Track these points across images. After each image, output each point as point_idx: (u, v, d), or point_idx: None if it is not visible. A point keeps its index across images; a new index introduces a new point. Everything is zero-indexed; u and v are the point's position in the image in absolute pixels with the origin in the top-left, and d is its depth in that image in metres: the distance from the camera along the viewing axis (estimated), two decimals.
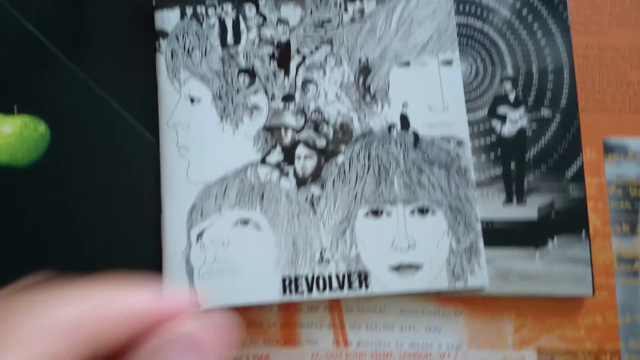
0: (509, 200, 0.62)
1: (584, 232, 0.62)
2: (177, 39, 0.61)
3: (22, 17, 0.60)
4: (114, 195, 0.59)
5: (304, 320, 0.61)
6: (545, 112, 0.64)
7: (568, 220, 0.62)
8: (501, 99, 0.64)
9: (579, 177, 0.63)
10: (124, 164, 0.59)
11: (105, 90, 0.60)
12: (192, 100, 0.60)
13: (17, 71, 0.59)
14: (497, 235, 0.61)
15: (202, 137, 0.59)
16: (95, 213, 0.58)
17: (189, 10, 0.61)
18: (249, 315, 0.60)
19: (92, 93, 0.60)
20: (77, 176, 0.58)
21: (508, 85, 0.64)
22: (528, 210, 0.62)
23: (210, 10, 0.62)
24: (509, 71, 0.64)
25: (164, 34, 0.61)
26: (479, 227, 0.60)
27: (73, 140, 0.59)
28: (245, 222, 0.58)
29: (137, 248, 0.58)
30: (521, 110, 0.64)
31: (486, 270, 0.59)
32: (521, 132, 0.63)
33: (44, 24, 0.60)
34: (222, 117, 0.60)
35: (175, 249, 0.57)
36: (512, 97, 0.64)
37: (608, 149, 0.65)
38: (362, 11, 0.63)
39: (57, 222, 0.58)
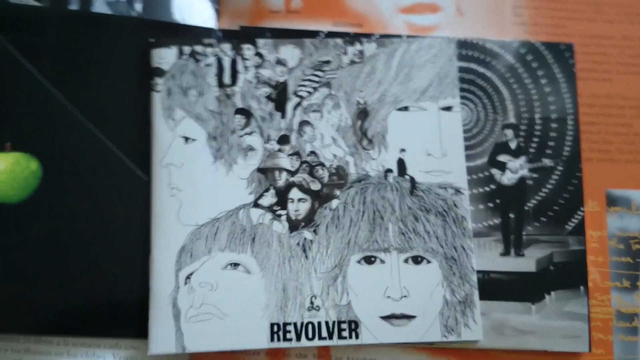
0: (506, 251, 0.60)
1: (582, 287, 0.60)
2: (174, 77, 0.60)
3: (18, 53, 0.59)
4: (103, 234, 0.58)
5: None
6: (547, 161, 0.62)
7: (567, 274, 0.60)
8: (502, 147, 0.63)
9: (580, 229, 0.61)
10: (115, 203, 0.59)
11: (99, 127, 0.59)
12: (186, 140, 0.59)
13: (11, 107, 0.59)
14: (494, 287, 0.59)
15: (195, 178, 0.59)
16: (83, 251, 0.58)
17: (186, 49, 0.61)
18: (234, 359, 0.59)
19: (86, 130, 0.59)
20: (67, 214, 0.58)
21: (509, 133, 0.63)
22: (526, 263, 0.60)
23: (208, 50, 0.61)
24: (511, 118, 0.63)
25: (161, 72, 0.60)
26: (474, 279, 0.59)
27: (65, 178, 0.58)
28: (235, 265, 0.57)
29: (124, 288, 0.57)
30: (522, 159, 0.62)
31: (481, 324, 0.58)
32: (521, 181, 0.62)
33: (40, 60, 0.60)
34: (216, 158, 0.59)
35: (162, 290, 0.56)
36: (513, 145, 0.63)
37: (611, 201, 0.63)
38: (362, 54, 0.62)
39: (45, 259, 0.57)
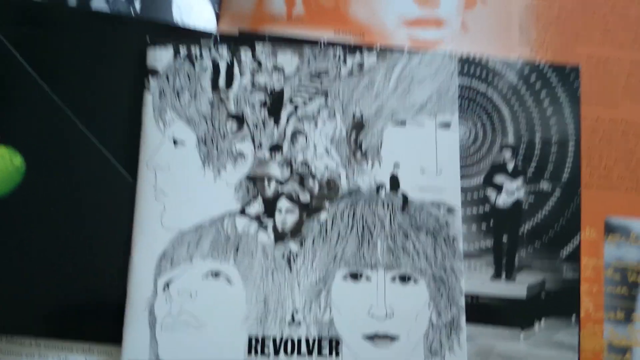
0: (497, 275, 0.59)
1: (574, 315, 0.58)
2: (168, 78, 0.59)
3: (9, 45, 0.59)
4: (84, 234, 0.57)
5: None
6: (544, 185, 0.61)
7: (558, 302, 0.59)
8: (499, 168, 0.61)
9: (575, 256, 0.60)
10: (98, 203, 0.57)
11: (87, 125, 0.58)
12: (175, 143, 0.58)
13: None
14: (482, 311, 0.58)
15: (181, 182, 0.57)
16: (62, 250, 0.56)
17: (182, 50, 0.60)
18: None
19: (74, 128, 0.58)
20: (49, 211, 0.57)
21: (507, 154, 0.61)
22: (517, 288, 0.59)
23: (205, 52, 0.60)
24: (510, 139, 0.62)
25: (154, 72, 0.59)
26: (462, 302, 0.57)
27: (48, 175, 0.57)
28: (216, 274, 0.56)
29: (101, 291, 0.56)
30: (519, 181, 0.61)
31: (466, 349, 0.56)
32: (517, 204, 0.60)
33: (29, 53, 0.59)
34: (204, 162, 0.58)
35: (139, 296, 0.55)
36: (510, 166, 0.61)
37: (609, 229, 0.61)
38: (361, 65, 0.61)
39: (21, 257, 0.56)
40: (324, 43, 0.62)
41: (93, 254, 0.56)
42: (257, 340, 0.55)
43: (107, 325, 0.55)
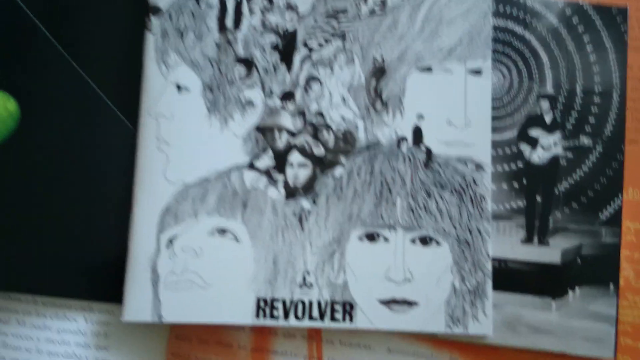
0: (529, 238, 0.54)
1: (612, 284, 0.54)
2: (171, 17, 0.54)
3: None
4: (82, 186, 0.53)
5: (278, 347, 0.54)
6: (585, 140, 0.55)
7: (595, 269, 0.54)
8: (535, 120, 0.55)
9: (616, 219, 0.55)
10: (97, 153, 0.54)
11: (85, 68, 0.54)
12: (179, 89, 0.54)
13: None
14: (510, 277, 0.53)
15: (185, 131, 0.53)
16: (59, 203, 0.53)
17: None
18: (217, 334, 0.54)
19: (71, 71, 0.54)
20: (44, 160, 0.53)
21: (545, 105, 0.55)
22: (550, 253, 0.54)
23: None
24: (548, 88, 0.56)
25: (157, 10, 0.54)
26: (489, 267, 0.52)
27: (44, 121, 0.53)
28: (222, 231, 0.52)
29: (101, 247, 0.53)
30: (557, 136, 0.55)
31: (492, 317, 0.52)
32: (554, 160, 0.55)
33: None
34: (210, 111, 0.53)
35: (141, 252, 0.52)
36: (548, 118, 0.55)
37: None
38: (384, 3, 0.55)
39: (17, 210, 0.53)
40: None
41: (92, 208, 0.53)
42: (265, 302, 0.51)
43: (108, 282, 0.52)
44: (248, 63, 0.54)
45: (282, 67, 0.54)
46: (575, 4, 0.57)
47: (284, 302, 0.52)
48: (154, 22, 0.54)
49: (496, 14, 0.56)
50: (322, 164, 0.53)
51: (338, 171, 0.53)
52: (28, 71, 0.54)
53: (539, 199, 0.55)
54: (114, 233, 0.53)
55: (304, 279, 0.52)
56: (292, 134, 0.54)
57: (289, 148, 0.53)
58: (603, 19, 0.57)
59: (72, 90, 0.54)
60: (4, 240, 0.52)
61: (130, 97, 0.54)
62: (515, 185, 0.55)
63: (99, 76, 0.54)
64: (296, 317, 0.51)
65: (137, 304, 0.51)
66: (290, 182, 0.53)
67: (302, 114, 0.54)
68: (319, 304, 0.52)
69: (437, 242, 0.52)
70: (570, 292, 0.54)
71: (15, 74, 0.54)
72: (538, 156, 0.55)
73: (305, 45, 0.54)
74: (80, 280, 0.53)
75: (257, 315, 0.51)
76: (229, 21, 0.54)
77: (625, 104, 0.56)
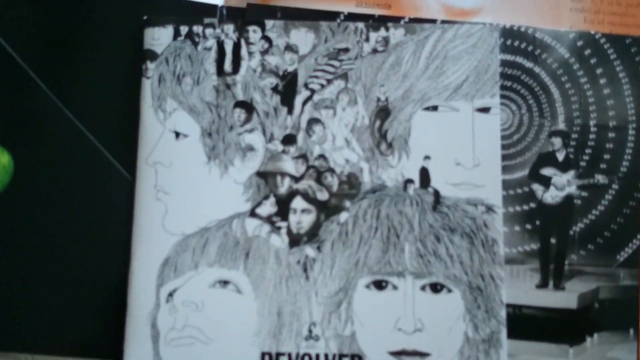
0: (544, 283, 0.52)
1: (632, 329, 0.52)
2: (167, 62, 0.53)
3: None
4: (79, 239, 0.52)
5: None
6: (600, 178, 0.53)
7: (614, 314, 0.52)
8: (547, 158, 0.54)
9: (634, 260, 0.53)
10: (94, 204, 0.52)
11: (80, 118, 0.53)
12: (177, 135, 0.52)
13: None
14: (525, 325, 0.51)
15: (184, 179, 0.52)
16: (56, 258, 0.52)
17: (183, 30, 0.53)
18: None
19: (65, 121, 0.53)
20: (40, 214, 0.52)
21: (557, 142, 0.54)
22: (566, 298, 0.52)
23: (208, 31, 0.53)
24: (560, 124, 0.54)
25: (153, 56, 0.53)
26: (503, 314, 0.51)
27: (39, 174, 0.52)
28: (224, 283, 0.50)
29: (99, 303, 0.51)
30: (570, 174, 0.53)
31: None
32: (568, 200, 0.53)
33: (17, 38, 0.53)
34: (209, 157, 0.52)
35: (141, 308, 0.50)
36: (561, 156, 0.53)
37: None
38: (386, 41, 0.53)
39: (13, 266, 0.52)
40: (343, 16, 0.54)
41: (89, 262, 0.52)
42: (270, 357, 0.50)
43: (107, 339, 0.51)
44: (248, 107, 0.53)
45: (283, 110, 0.53)
46: (587, 34, 0.55)
47: (289, 357, 0.50)
48: (150, 67, 0.53)
49: (503, 48, 0.54)
50: (326, 209, 0.52)
51: (343, 216, 0.52)
52: (22, 123, 0.53)
53: (553, 241, 0.53)
54: (113, 287, 0.51)
55: (310, 331, 0.50)
56: (294, 179, 0.52)
57: (292, 194, 0.52)
58: (616, 50, 0.55)
59: (68, 141, 0.53)
60: (1, 297, 0.51)
61: (128, 145, 0.52)
62: (528, 227, 0.53)
63: (95, 125, 0.53)
64: None
65: None
66: (294, 229, 0.51)
67: (304, 157, 0.52)
68: (327, 358, 0.50)
69: (448, 289, 0.51)
70: (588, 339, 0.52)
71: (8, 126, 0.53)
72: (551, 196, 0.53)
73: (306, 86, 0.53)
74: (79, 338, 0.51)
75: None
76: (227, 64, 0.53)
77: None
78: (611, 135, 0.54)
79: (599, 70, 0.55)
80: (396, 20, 0.54)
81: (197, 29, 0.53)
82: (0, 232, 0.52)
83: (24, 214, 0.52)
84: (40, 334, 0.51)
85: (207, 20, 0.53)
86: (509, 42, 0.55)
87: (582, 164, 0.54)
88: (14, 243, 0.52)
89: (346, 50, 0.53)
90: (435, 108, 0.53)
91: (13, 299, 0.51)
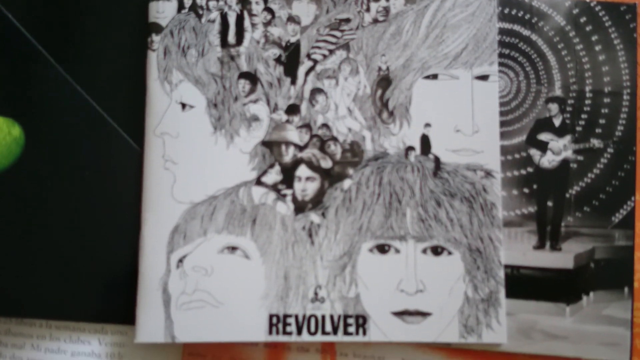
0: (541, 244, 0.54)
1: (626, 288, 0.53)
2: (172, 34, 0.54)
3: (3, 6, 0.54)
4: (90, 209, 0.53)
5: None
6: (595, 142, 0.54)
7: (609, 273, 0.54)
8: (544, 124, 0.55)
9: (628, 222, 0.54)
10: (104, 175, 0.54)
11: (88, 90, 0.54)
12: (183, 107, 0.53)
13: None
14: (523, 284, 0.53)
15: (191, 149, 0.53)
16: (68, 227, 0.53)
17: (187, 2, 0.54)
18: (231, 350, 0.54)
19: (74, 94, 0.54)
20: (52, 185, 0.53)
21: (554, 108, 0.55)
22: (563, 258, 0.53)
23: (212, 3, 0.54)
24: (557, 91, 0.55)
25: (158, 28, 0.54)
26: (501, 274, 0.52)
27: (50, 146, 0.53)
28: (232, 249, 0.52)
29: (112, 269, 0.53)
30: (567, 139, 0.54)
31: (506, 325, 0.52)
32: (564, 164, 0.54)
33: (24, 12, 0.54)
34: (215, 128, 0.53)
35: (152, 274, 0.52)
36: (557, 122, 0.55)
37: None
38: (387, 11, 0.54)
39: (27, 235, 0.53)
40: None
41: (101, 231, 0.53)
42: (278, 319, 0.51)
43: (120, 304, 0.52)
44: (252, 78, 0.54)
45: (286, 81, 0.54)
46: (583, 2, 0.56)
47: (296, 318, 0.51)
48: (155, 40, 0.54)
49: (501, 16, 0.55)
50: (330, 177, 0.53)
51: (346, 183, 0.53)
52: (31, 96, 0.54)
53: (550, 204, 0.54)
54: (125, 255, 0.53)
55: (316, 293, 0.52)
56: (298, 148, 0.53)
57: (297, 162, 0.53)
58: (611, 17, 0.56)
59: (76, 113, 0.54)
60: (17, 265, 0.53)
61: (135, 117, 0.53)
62: (526, 191, 0.54)
63: (103, 98, 0.54)
64: (309, 332, 0.51)
65: (150, 325, 0.51)
66: (299, 197, 0.53)
67: (308, 127, 0.53)
68: (332, 318, 0.51)
69: (449, 252, 0.52)
70: (584, 297, 0.53)
71: (18, 99, 0.54)
72: (548, 160, 0.54)
73: (309, 57, 0.54)
74: (93, 303, 0.53)
75: (270, 332, 0.51)
76: (231, 36, 0.54)
77: (636, 103, 0.55)
78: (606, 100, 0.55)
79: (594, 38, 0.56)
80: None
81: (200, 1, 0.54)
82: (14, 204, 0.53)
83: (35, 184, 0.53)
84: (56, 301, 0.53)
85: None
86: (506, 11, 0.55)
87: (578, 129, 0.55)
88: (26, 214, 0.53)
89: (347, 20, 0.54)
90: (435, 76, 0.54)
91: (27, 267, 0.53)
